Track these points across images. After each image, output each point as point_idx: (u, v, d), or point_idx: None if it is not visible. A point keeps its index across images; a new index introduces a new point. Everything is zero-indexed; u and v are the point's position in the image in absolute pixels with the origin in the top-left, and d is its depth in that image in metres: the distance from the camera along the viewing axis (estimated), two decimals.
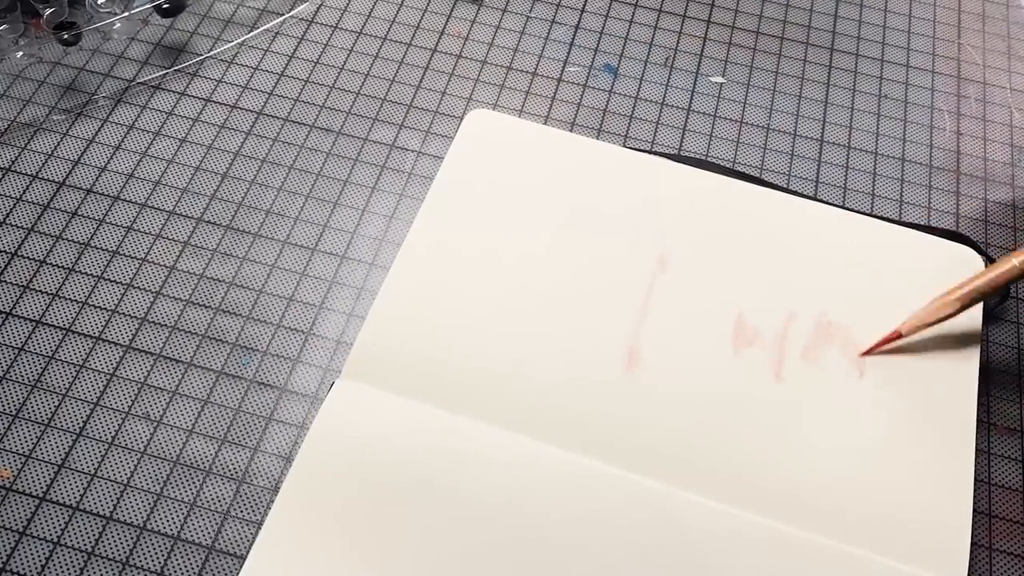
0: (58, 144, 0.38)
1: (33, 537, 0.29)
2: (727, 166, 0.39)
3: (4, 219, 0.36)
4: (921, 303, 0.32)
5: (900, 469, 0.29)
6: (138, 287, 0.35)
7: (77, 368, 0.32)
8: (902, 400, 0.30)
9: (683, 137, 0.40)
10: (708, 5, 0.44)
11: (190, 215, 0.37)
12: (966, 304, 0.31)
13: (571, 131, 0.39)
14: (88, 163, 0.38)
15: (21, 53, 0.40)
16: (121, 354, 0.33)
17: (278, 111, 0.40)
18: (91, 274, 0.35)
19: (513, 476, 0.28)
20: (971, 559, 0.29)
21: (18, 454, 0.31)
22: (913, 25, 0.44)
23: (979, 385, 0.31)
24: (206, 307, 0.34)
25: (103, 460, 0.31)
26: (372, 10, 0.43)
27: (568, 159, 0.37)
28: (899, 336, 0.31)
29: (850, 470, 0.29)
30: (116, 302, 0.34)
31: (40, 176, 0.37)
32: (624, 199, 0.35)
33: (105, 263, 0.35)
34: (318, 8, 0.43)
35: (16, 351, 0.33)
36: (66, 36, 0.40)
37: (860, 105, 0.41)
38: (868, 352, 0.31)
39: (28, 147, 0.38)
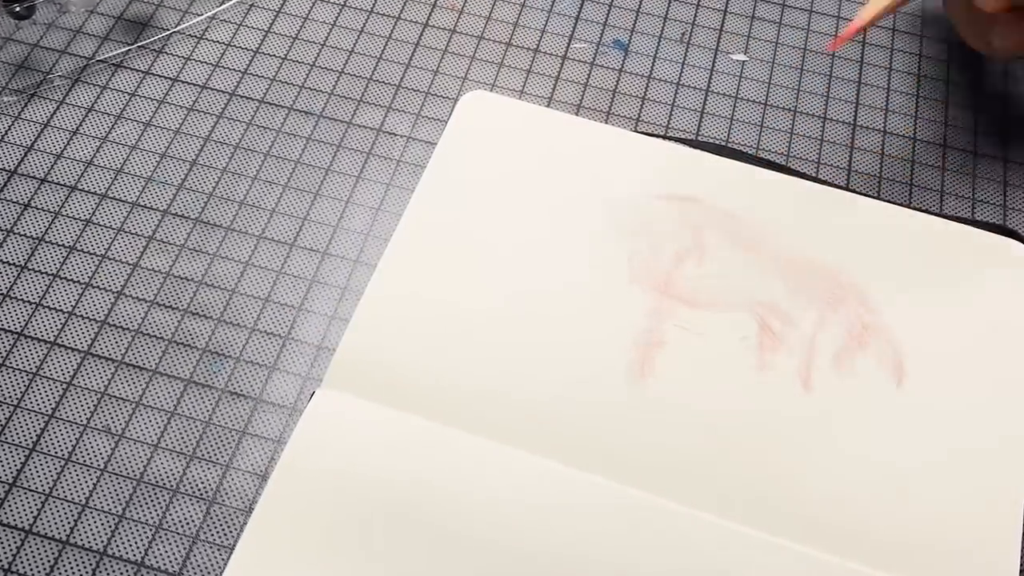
0: (9, 128, 0.38)
1: None
2: (749, 152, 0.38)
3: None
4: (967, 304, 0.32)
5: (942, 489, 0.29)
6: (97, 287, 0.34)
7: (30, 376, 0.32)
8: (945, 412, 0.30)
9: (701, 120, 0.40)
10: None
11: (155, 207, 0.37)
12: None
13: (577, 114, 0.39)
14: (42, 149, 0.38)
15: None
16: (79, 361, 0.33)
17: (253, 92, 0.40)
18: (45, 272, 0.35)
19: (512, 494, 0.28)
20: None
21: None
22: None
23: None
24: (173, 309, 0.34)
25: (59, 478, 0.30)
26: None
27: (573, 145, 0.37)
28: (865, 25, 0.34)
29: (886, 490, 0.29)
30: (73, 303, 0.34)
31: None
32: (636, 189, 0.35)
33: (61, 260, 0.35)
34: None
35: None
36: (18, 8, 0.39)
37: (897, 85, 0.41)
38: (838, 43, 0.34)
39: None
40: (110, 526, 0.30)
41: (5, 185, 0.37)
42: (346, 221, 0.36)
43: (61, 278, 0.35)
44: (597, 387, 0.31)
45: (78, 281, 0.35)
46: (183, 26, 0.41)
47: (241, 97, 0.40)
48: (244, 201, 0.37)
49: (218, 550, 0.29)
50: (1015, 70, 0.42)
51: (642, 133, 0.38)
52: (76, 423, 0.31)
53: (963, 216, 0.37)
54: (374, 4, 0.43)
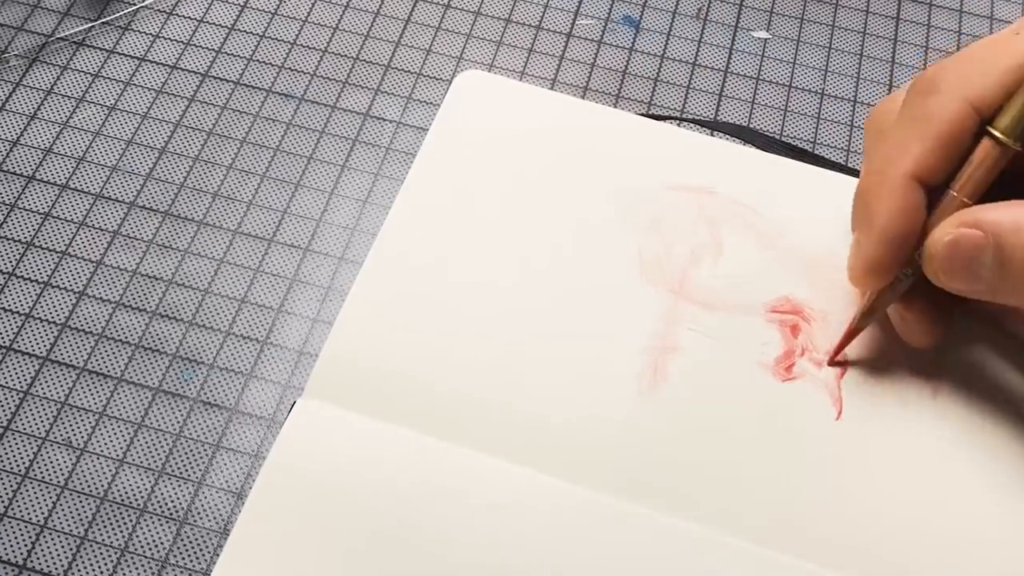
0: None
1: None
2: (773, 138, 0.39)
3: None
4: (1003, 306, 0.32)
5: (981, 510, 0.29)
6: (57, 286, 0.35)
7: None
8: (982, 426, 0.30)
9: (719, 104, 0.40)
10: None
11: (121, 199, 0.37)
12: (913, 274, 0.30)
13: (583, 97, 0.39)
14: None
15: None
16: (37, 367, 0.33)
17: (228, 72, 0.40)
18: None
19: (513, 515, 0.28)
20: None
21: None
22: None
23: None
24: (140, 310, 0.34)
25: (15, 496, 0.31)
26: None
27: (579, 131, 0.37)
28: (857, 329, 0.31)
29: (922, 512, 0.29)
30: (30, 305, 0.34)
31: None
32: (647, 179, 0.35)
33: (17, 257, 0.35)
34: None
35: None
36: None
37: None
38: (834, 359, 0.31)
39: None
40: (71, 549, 0.30)
41: None
42: (330, 214, 0.36)
43: (17, 277, 0.35)
44: (604, 396, 0.31)
45: (35, 280, 0.35)
46: (151, 0, 0.42)
47: (215, 78, 0.40)
48: (218, 193, 0.37)
49: (189, 575, 0.29)
50: None
51: (654, 117, 0.38)
52: (34, 436, 0.32)
53: None
54: None
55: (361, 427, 0.32)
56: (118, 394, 0.32)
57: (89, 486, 0.31)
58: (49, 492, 0.31)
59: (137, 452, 0.31)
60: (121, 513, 0.30)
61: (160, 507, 0.30)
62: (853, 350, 0.33)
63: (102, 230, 0.36)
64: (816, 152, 0.38)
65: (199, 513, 0.30)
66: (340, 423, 0.32)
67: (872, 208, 0.30)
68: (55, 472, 0.31)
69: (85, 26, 0.41)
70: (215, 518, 0.30)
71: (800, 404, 0.32)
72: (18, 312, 0.34)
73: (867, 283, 0.32)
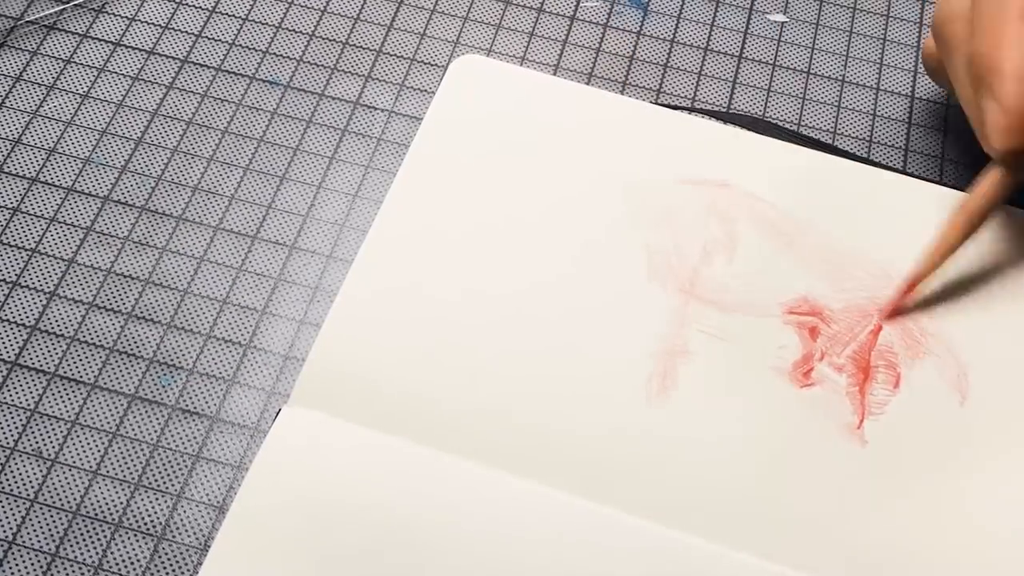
0: None
1: None
2: (790, 129, 0.39)
3: None
4: None
5: (1013, 527, 0.29)
6: (26, 286, 0.35)
7: None
8: (1015, 437, 0.30)
9: (732, 92, 0.40)
10: None
11: (94, 193, 0.37)
12: (974, 221, 0.31)
13: (588, 84, 0.39)
14: None
15: None
16: (5, 373, 0.33)
17: (208, 58, 0.40)
18: None
19: (513, 529, 0.28)
20: None
21: None
22: None
23: None
24: (115, 312, 0.34)
25: None
26: None
27: (583, 119, 0.37)
28: (914, 283, 0.32)
29: (951, 532, 0.29)
30: None
31: None
32: (656, 172, 0.35)
33: None
34: None
35: None
36: None
37: None
38: (887, 314, 0.31)
39: None
40: (41, 566, 0.30)
41: None
42: (317, 210, 0.36)
43: None
44: (610, 403, 0.31)
45: (3, 280, 0.35)
46: None
47: (195, 64, 0.40)
48: (198, 186, 0.37)
49: None
50: None
51: (663, 106, 0.38)
52: (1, 446, 0.32)
53: None
54: None
55: (350, 436, 0.32)
56: (91, 401, 0.32)
57: (60, 499, 0.31)
58: (18, 506, 0.31)
59: (112, 463, 0.31)
60: (95, 528, 0.30)
61: (136, 522, 0.30)
62: (878, 355, 0.33)
63: (74, 226, 0.36)
64: (836, 143, 0.38)
65: (178, 528, 0.30)
66: (327, 431, 0.32)
67: (996, 61, 0.29)
68: (24, 485, 0.31)
69: (56, 8, 0.41)
70: (195, 533, 0.30)
71: (819, 412, 0.32)
72: None
73: (1009, 139, 0.31)
